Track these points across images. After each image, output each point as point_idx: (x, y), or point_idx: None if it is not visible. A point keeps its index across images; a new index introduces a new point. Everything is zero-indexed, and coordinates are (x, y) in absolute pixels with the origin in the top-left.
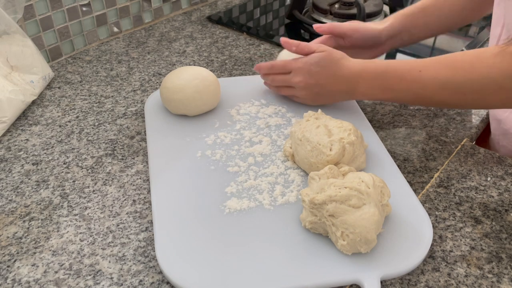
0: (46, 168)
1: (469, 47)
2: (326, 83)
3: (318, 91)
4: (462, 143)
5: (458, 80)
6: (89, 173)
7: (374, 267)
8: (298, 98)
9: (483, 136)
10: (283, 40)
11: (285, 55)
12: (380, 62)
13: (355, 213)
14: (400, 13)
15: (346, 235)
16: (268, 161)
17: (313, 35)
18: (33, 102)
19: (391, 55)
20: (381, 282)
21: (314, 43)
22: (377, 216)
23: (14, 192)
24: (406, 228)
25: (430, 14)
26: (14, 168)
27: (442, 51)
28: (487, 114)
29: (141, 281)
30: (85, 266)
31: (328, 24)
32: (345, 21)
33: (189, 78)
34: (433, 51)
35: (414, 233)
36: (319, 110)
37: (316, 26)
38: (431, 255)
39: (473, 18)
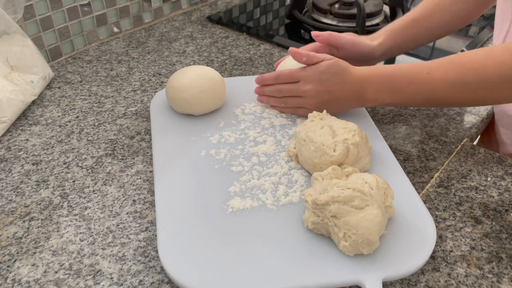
0: (46, 168)
1: (469, 47)
2: (335, 89)
3: (328, 99)
4: (462, 143)
5: (469, 80)
6: (89, 173)
7: (376, 269)
8: (303, 110)
9: (487, 132)
10: (293, 50)
11: (287, 66)
12: (387, 66)
13: (358, 214)
14: (390, 29)
15: (349, 236)
16: (272, 161)
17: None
18: (33, 102)
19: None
20: (382, 282)
21: (311, 50)
22: (380, 217)
23: (14, 192)
24: (409, 230)
25: (419, 27)
26: (14, 168)
27: (442, 51)
28: (487, 114)
29: (141, 281)
30: (85, 266)
31: (327, 34)
32: (344, 21)
33: (195, 78)
34: (433, 51)
35: (417, 235)
36: (324, 111)
37: (314, 34)
38: (431, 255)
39: (463, 25)
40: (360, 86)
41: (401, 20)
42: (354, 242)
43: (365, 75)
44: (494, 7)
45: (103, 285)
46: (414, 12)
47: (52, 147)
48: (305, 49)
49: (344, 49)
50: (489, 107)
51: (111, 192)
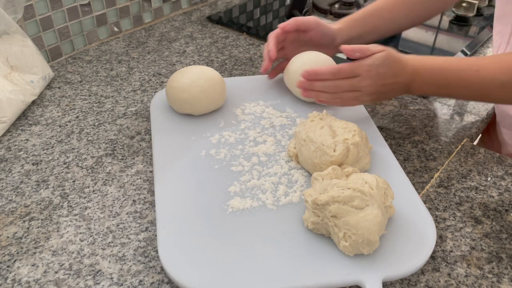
0: (46, 168)
1: (469, 47)
2: (390, 82)
3: (382, 91)
4: (462, 143)
5: None
6: (89, 173)
7: (376, 269)
8: (356, 102)
9: (488, 132)
10: (346, 48)
11: (300, 61)
12: (437, 58)
13: (358, 214)
14: (350, 18)
15: (349, 236)
16: (272, 161)
17: None
18: (33, 102)
19: None
20: (382, 282)
21: (280, 39)
22: (380, 217)
23: (14, 192)
24: (409, 230)
25: (379, 17)
26: (14, 168)
27: (442, 51)
28: (487, 114)
29: (141, 281)
30: (85, 266)
31: (292, 19)
32: None
33: (195, 78)
34: (433, 50)
35: (417, 235)
36: (324, 111)
37: (282, 26)
38: (431, 255)
39: (428, 17)
40: (411, 78)
41: (362, 11)
42: (354, 242)
43: (416, 67)
44: (493, 6)
45: (103, 285)
46: (375, 3)
47: (52, 147)
48: (278, 35)
49: (310, 30)
50: (489, 107)
51: (111, 192)
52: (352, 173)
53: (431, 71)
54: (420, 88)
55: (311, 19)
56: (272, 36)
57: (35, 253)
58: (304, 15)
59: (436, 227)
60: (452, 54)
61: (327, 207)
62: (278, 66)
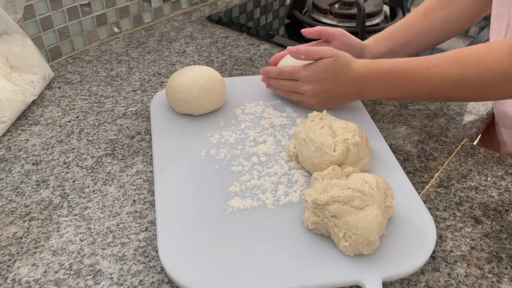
0: (46, 168)
1: None
2: (334, 88)
3: (327, 97)
4: (462, 143)
5: (469, 76)
6: (89, 173)
7: (376, 269)
8: (305, 104)
9: (487, 132)
10: (291, 49)
11: (287, 62)
12: (386, 61)
13: (358, 214)
14: (379, 34)
15: (349, 236)
16: (272, 161)
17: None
18: (33, 102)
19: None
20: (382, 282)
21: (316, 47)
22: (380, 217)
23: (14, 192)
24: (409, 230)
25: (408, 32)
26: (14, 168)
27: (442, 51)
28: (487, 114)
29: (141, 281)
30: (85, 266)
31: (316, 28)
32: (344, 21)
33: (195, 78)
34: (433, 50)
35: (417, 235)
36: (324, 111)
37: (304, 31)
38: (431, 255)
39: (458, 30)
40: (360, 83)
41: (391, 26)
42: (354, 242)
43: (365, 71)
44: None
45: (103, 285)
46: (403, 19)
47: (52, 147)
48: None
49: (336, 39)
50: (489, 107)
51: (111, 192)
52: (352, 173)
53: (382, 73)
54: (373, 93)
55: (337, 30)
56: (285, 51)
57: (35, 253)
58: (304, 15)
59: (436, 227)
60: None
61: (327, 207)
62: None
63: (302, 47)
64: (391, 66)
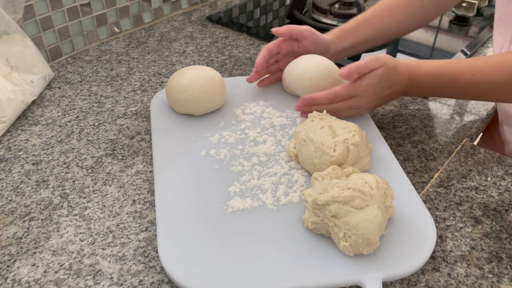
0: (46, 168)
1: (469, 47)
2: (388, 94)
3: (380, 103)
4: (462, 143)
5: None
6: (89, 173)
7: (376, 269)
8: (352, 116)
9: (489, 131)
10: (343, 73)
11: (301, 66)
12: (432, 63)
13: (358, 214)
14: (342, 29)
15: (349, 236)
16: (272, 161)
17: None
18: (33, 102)
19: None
20: (382, 282)
21: (275, 47)
22: (380, 217)
23: (14, 192)
24: (410, 230)
25: (371, 27)
26: (14, 168)
27: (442, 51)
28: (487, 114)
29: (141, 281)
30: (85, 266)
31: (286, 26)
32: (344, 21)
33: (195, 78)
34: (433, 51)
35: (418, 235)
36: (324, 111)
37: (274, 30)
38: (431, 255)
39: (420, 25)
40: (407, 85)
41: (354, 20)
42: (354, 242)
43: (412, 74)
44: (493, 6)
45: (103, 285)
46: (365, 13)
47: (52, 147)
48: (271, 49)
49: (304, 39)
50: (489, 106)
51: (111, 192)
52: (352, 173)
53: (426, 77)
54: (417, 93)
55: (305, 28)
56: (264, 49)
57: (35, 253)
58: (304, 15)
59: (436, 227)
60: (452, 54)
61: (327, 207)
62: (272, 76)
63: (351, 66)
64: (437, 69)
